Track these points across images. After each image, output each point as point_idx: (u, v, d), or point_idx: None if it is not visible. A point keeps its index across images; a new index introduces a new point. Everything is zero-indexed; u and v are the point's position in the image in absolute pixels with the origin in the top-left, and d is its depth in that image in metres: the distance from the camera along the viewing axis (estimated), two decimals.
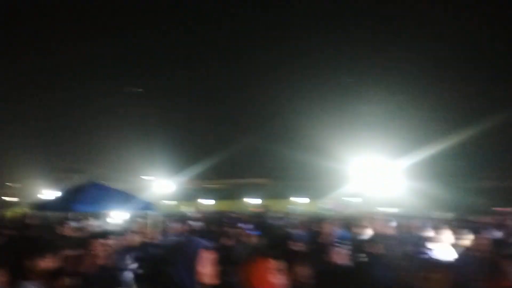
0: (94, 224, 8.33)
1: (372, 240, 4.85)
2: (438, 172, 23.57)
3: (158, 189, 35.22)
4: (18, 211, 28.34)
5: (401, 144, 24.13)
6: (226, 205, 40.40)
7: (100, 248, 3.50)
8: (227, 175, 66.23)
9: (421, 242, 6.27)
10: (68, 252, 3.37)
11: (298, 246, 4.35)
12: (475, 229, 6.59)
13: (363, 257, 4.69)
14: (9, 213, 27.86)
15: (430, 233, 6.06)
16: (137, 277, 6.36)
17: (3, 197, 66.96)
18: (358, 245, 5.11)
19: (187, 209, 36.91)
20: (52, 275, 2.79)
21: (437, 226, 6.51)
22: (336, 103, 29.41)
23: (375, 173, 21.17)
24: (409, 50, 25.92)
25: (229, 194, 51.13)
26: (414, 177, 21.11)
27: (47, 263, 2.93)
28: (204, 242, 2.33)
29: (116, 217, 11.92)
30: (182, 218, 13.89)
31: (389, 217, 10.23)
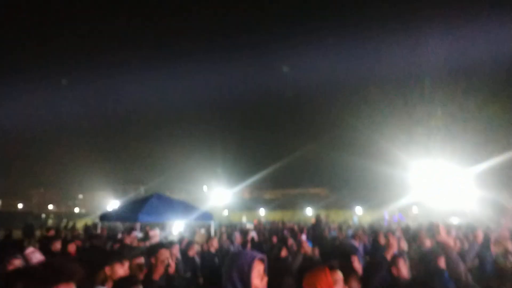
0: (157, 233, 8.75)
1: (434, 252, 4.65)
2: (507, 180, 21.71)
3: (217, 199, 36.00)
4: (88, 221, 30.40)
5: (470, 150, 22.49)
6: (283, 215, 40.45)
7: (165, 256, 3.70)
8: (284, 185, 66.30)
9: (488, 253, 5.90)
10: (137, 260, 3.59)
11: (355, 258, 4.29)
12: None
13: (424, 270, 4.52)
14: (80, 223, 29.99)
15: (498, 243, 5.70)
16: (197, 284, 6.58)
17: (74, 208, 72.21)
18: (420, 257, 4.93)
19: (245, 219, 37.43)
20: (125, 282, 3.01)
21: (506, 236, 6.10)
22: (399, 106, 27.87)
23: (440, 181, 20.10)
24: (487, 50, 24.01)
25: (286, 204, 51.13)
26: (483, 185, 19.66)
27: (119, 270, 3.18)
28: (257, 253, 2.36)
29: (178, 226, 12.40)
30: (241, 228, 14.15)
31: (454, 227, 9.68)
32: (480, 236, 5.84)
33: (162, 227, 12.83)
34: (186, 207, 11.16)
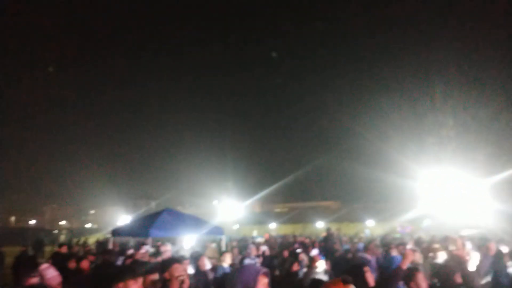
0: (169, 248, 8.77)
1: (450, 266, 4.60)
2: None
3: (227, 213, 35.95)
4: (100, 237, 30.58)
5: (483, 161, 22.00)
6: (294, 229, 40.14)
7: (177, 272, 3.71)
8: (294, 198, 65.96)
9: (503, 266, 5.81)
10: (151, 277, 3.62)
11: (367, 269, 4.26)
12: None
13: (441, 286, 4.47)
14: (91, 239, 30.19)
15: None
16: None
17: (86, 224, 72.70)
18: (436, 272, 4.88)
19: (256, 233, 37.21)
20: None
21: None
22: (409, 116, 27.41)
23: (453, 192, 19.82)
24: (500, 59, 23.61)
25: (297, 217, 50.78)
26: (496, 197, 19.28)
27: (133, 287, 3.20)
28: (261, 267, 2.41)
29: (189, 241, 12.40)
30: (252, 242, 14.11)
31: (467, 239, 9.52)
32: (493, 249, 5.75)
33: (173, 242, 12.83)
34: (196, 222, 11.18)
